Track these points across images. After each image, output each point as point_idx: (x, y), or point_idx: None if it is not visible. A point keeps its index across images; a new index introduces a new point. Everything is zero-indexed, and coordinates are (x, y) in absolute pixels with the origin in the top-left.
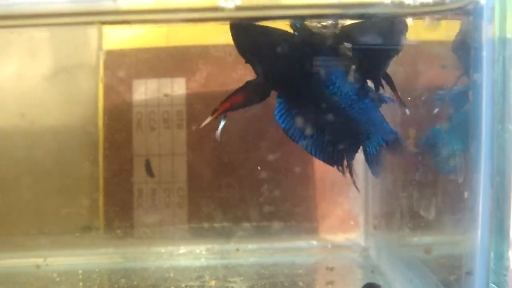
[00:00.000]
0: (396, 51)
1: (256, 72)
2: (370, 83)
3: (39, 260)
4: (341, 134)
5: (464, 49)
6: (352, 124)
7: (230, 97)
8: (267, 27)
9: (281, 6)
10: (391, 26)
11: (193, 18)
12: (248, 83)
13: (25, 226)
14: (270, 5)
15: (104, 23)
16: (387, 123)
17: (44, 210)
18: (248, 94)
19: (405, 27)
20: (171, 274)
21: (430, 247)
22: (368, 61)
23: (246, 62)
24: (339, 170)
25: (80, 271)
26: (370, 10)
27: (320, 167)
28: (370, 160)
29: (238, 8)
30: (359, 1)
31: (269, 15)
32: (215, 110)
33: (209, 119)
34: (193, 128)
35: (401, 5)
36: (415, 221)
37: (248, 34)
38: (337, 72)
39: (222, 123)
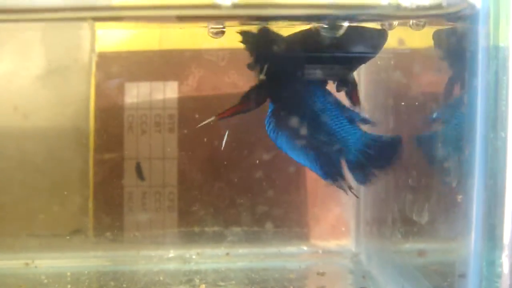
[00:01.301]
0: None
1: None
2: None
3: (28, 262)
4: (322, 144)
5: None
6: (326, 132)
7: (238, 105)
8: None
9: (278, 5)
10: (371, 35)
11: (188, 15)
12: (251, 90)
13: (14, 228)
14: (267, 4)
15: (96, 19)
16: (359, 128)
17: (33, 212)
18: (251, 100)
19: (384, 37)
20: (161, 278)
21: (423, 250)
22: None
23: (253, 66)
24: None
25: (68, 274)
26: (367, 12)
27: (312, 172)
28: (352, 168)
29: (235, 6)
30: (357, 2)
31: (265, 14)
32: (221, 113)
33: (212, 118)
34: (185, 130)
35: (398, 7)
36: (407, 226)
37: (264, 38)
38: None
39: (226, 136)
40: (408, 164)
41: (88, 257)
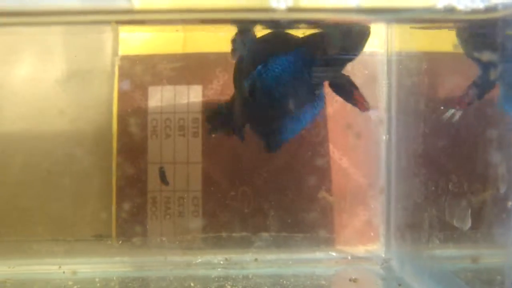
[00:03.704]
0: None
1: None
2: None
3: (54, 268)
4: None
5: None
6: None
7: None
8: None
9: (330, 10)
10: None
11: (242, 19)
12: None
13: (40, 232)
14: (319, 8)
15: (120, 22)
16: None
17: (58, 217)
18: None
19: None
20: (191, 284)
21: (476, 256)
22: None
23: None
24: None
25: (97, 279)
26: (422, 15)
27: (340, 176)
28: None
29: (290, 10)
30: (412, 5)
31: (319, 17)
32: None
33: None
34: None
35: (453, 10)
36: (447, 232)
37: None
38: None
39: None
40: (448, 169)
41: (115, 262)
